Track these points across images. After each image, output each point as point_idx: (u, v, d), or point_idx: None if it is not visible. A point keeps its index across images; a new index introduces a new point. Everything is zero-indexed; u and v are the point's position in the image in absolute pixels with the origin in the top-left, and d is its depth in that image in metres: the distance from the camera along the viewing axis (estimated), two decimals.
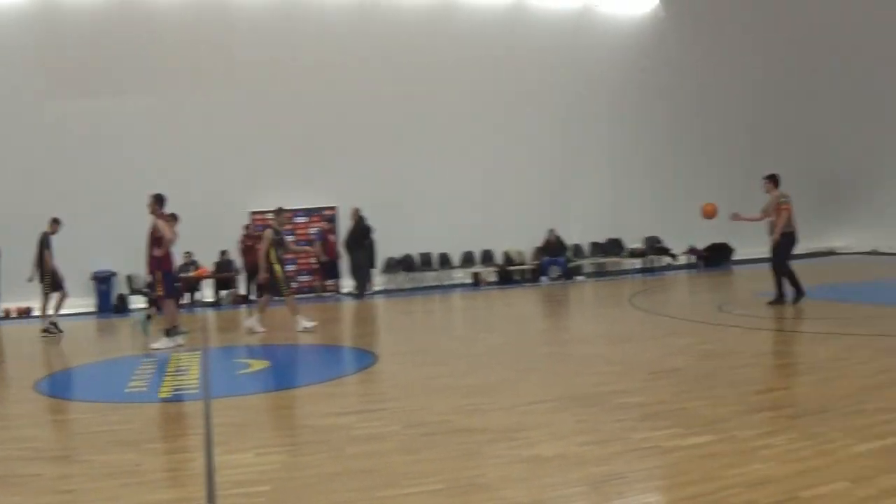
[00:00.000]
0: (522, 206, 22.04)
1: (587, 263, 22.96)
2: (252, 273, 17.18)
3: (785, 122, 24.80)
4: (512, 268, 21.99)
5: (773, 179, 13.91)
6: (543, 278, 21.39)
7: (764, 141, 24.76)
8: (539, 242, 21.95)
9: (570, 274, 21.85)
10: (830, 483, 4.67)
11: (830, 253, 26.52)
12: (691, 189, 24.01)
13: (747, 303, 14.41)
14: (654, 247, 23.96)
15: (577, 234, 22.78)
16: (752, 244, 25.05)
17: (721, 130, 24.25)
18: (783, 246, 13.58)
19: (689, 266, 24.11)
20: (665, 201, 24.22)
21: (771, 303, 13.45)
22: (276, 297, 13.63)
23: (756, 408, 6.57)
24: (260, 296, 14.70)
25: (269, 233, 13.25)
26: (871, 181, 24.70)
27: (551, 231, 21.84)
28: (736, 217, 14.14)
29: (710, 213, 14.06)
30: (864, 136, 24.70)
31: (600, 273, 23.11)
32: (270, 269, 13.20)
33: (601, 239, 23.58)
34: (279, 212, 13.97)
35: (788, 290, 13.36)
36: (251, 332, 13.30)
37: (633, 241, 23.84)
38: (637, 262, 23.74)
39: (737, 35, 23.31)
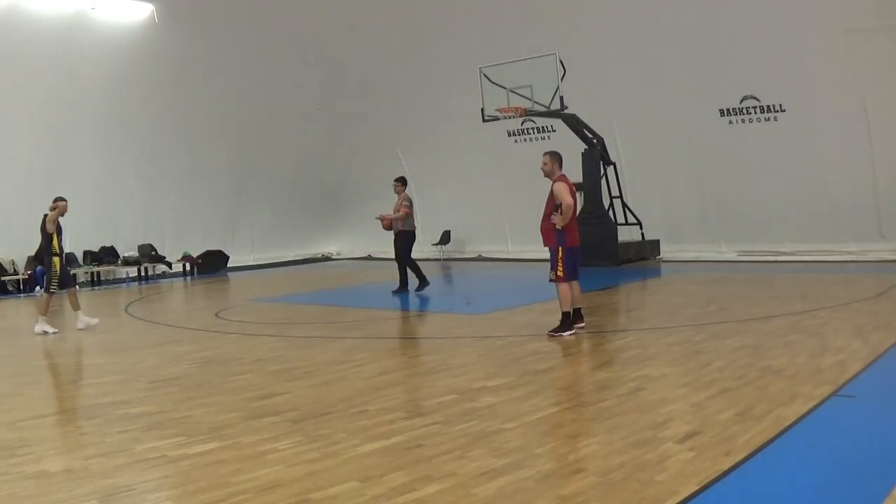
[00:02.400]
0: (14, 214, 20.34)
1: (81, 272, 21.90)
2: None
3: (278, 132, 25.92)
4: (5, 278, 20.33)
5: (403, 182, 15.89)
6: (38, 288, 20.00)
7: (258, 149, 25.67)
8: (32, 251, 20.49)
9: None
10: (340, 484, 4.87)
11: (326, 259, 28.27)
12: (186, 196, 24.14)
13: (244, 309, 14.80)
14: (150, 254, 23.61)
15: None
16: (243, 252, 25.90)
17: (217, 138, 24.57)
18: (406, 241, 15.45)
19: (184, 273, 24.12)
20: (160, 209, 24.05)
21: (395, 291, 15.55)
22: None
23: (259, 413, 6.73)
24: None
25: None
26: (363, 192, 26.79)
27: None
28: (383, 218, 15.76)
29: (384, 225, 15.67)
30: (354, 148, 26.78)
31: (95, 282, 22.18)
32: None
33: (95, 247, 22.65)
34: None
35: (413, 280, 15.42)
36: None
37: (128, 249, 23.26)
38: (132, 271, 23.22)
39: (234, 47, 23.84)
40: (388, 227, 15.73)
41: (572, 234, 10.01)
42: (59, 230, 12.90)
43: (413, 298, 14.96)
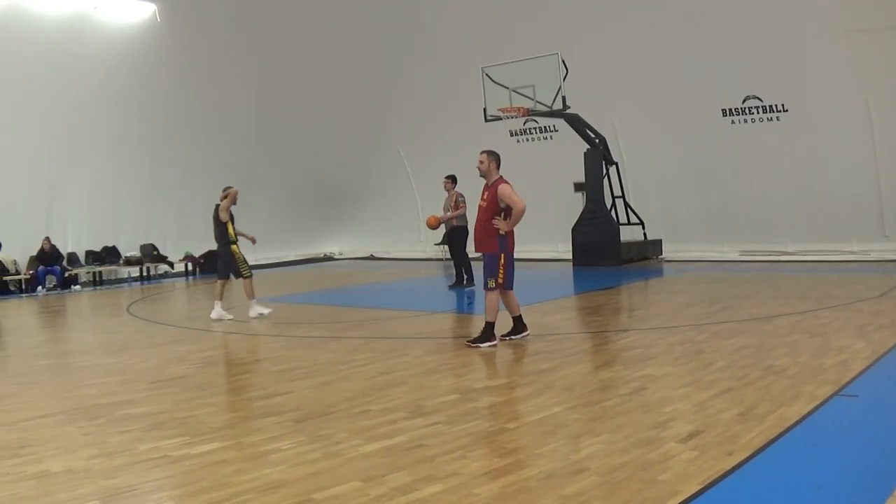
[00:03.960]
0: (13, 214, 20.37)
1: (83, 272, 21.93)
2: None
3: (284, 133, 25.93)
4: (7, 278, 20.31)
5: (454, 179, 15.94)
6: (40, 288, 20.04)
7: (263, 150, 25.68)
8: (34, 251, 20.55)
9: (66, 283, 20.76)
10: (342, 484, 4.87)
11: (328, 259, 28.27)
12: (188, 197, 24.14)
13: (245, 309, 14.77)
14: (152, 254, 23.63)
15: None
16: (245, 252, 25.87)
17: (220, 139, 24.57)
18: (464, 236, 15.74)
19: (186, 273, 24.13)
20: (162, 209, 24.07)
21: (451, 286, 16.18)
22: None
23: (261, 413, 6.73)
24: None
25: None
26: (366, 192, 26.80)
27: (46, 239, 20.54)
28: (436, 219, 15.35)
29: (432, 224, 15.23)
30: (357, 148, 26.75)
31: (98, 282, 22.20)
32: None
33: (97, 247, 22.67)
34: None
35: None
36: None
37: (130, 249, 23.28)
38: (134, 271, 23.24)
39: (237, 47, 23.84)
40: (435, 227, 15.50)
41: (511, 239, 9.64)
42: (231, 218, 13.17)
43: (412, 298, 14.95)
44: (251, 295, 13.26)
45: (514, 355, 9.02)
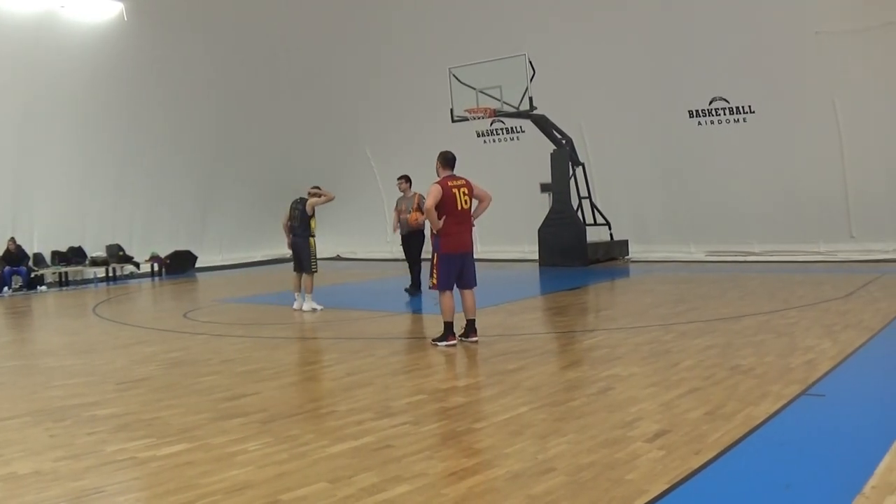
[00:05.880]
0: None
1: (49, 273, 21.70)
2: None
3: (251, 133, 25.80)
4: None
5: (408, 179, 15.45)
6: (6, 289, 19.80)
7: (227, 149, 25.53)
8: None
9: (32, 284, 20.55)
10: (310, 485, 4.87)
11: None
12: (154, 197, 24.00)
13: (212, 310, 14.74)
14: (118, 255, 23.44)
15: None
16: (211, 252, 25.75)
17: (187, 139, 24.43)
18: (421, 240, 15.28)
19: (152, 274, 23.97)
20: (128, 209, 23.90)
21: (407, 289, 15.49)
22: None
23: (227, 414, 6.71)
24: None
25: None
26: (331, 191, 26.64)
27: (12, 239, 20.30)
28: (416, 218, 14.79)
29: (420, 222, 14.70)
30: (322, 148, 26.64)
31: (64, 283, 21.98)
32: None
33: (63, 247, 22.44)
34: None
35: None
36: None
37: (96, 249, 23.08)
38: (100, 271, 23.04)
39: (204, 47, 23.69)
40: (419, 226, 15.06)
41: (450, 240, 9.52)
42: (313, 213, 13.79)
43: (378, 299, 14.94)
44: (310, 289, 13.66)
45: (481, 355, 9.05)
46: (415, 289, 15.50)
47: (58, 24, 21.18)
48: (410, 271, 15.70)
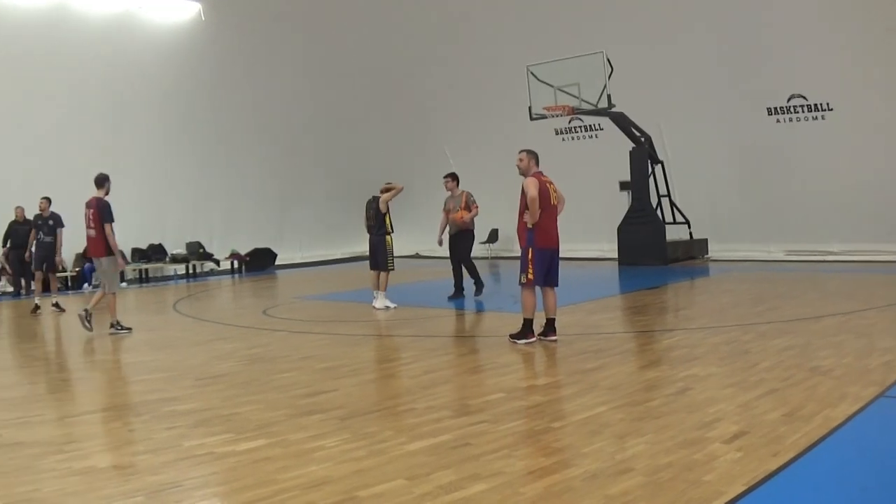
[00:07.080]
0: (63, 211, 20.65)
1: (130, 269, 22.18)
2: None
3: (330, 131, 26.04)
4: (57, 274, 20.53)
5: (455, 177, 14.92)
6: (86, 285, 20.30)
7: (310, 147, 25.81)
8: (80, 248, 20.78)
9: None
10: (387, 482, 4.85)
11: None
12: (234, 194, 24.36)
13: (291, 307, 14.85)
14: (198, 252, 23.85)
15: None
16: (291, 250, 26.02)
17: (265, 137, 24.78)
18: (470, 241, 14.73)
19: (232, 271, 24.33)
20: (209, 207, 24.28)
21: (451, 297, 14.53)
22: None
23: (306, 411, 6.72)
24: None
25: None
26: (411, 190, 26.73)
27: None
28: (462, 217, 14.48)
29: (466, 221, 14.51)
30: (402, 147, 26.76)
31: (143, 279, 22.45)
32: None
33: (143, 244, 22.92)
34: None
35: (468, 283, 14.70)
36: None
37: (176, 247, 23.52)
38: (180, 268, 23.47)
39: (282, 45, 23.98)
40: (466, 226, 14.49)
41: (544, 235, 9.44)
42: (388, 210, 13.79)
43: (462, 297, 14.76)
44: (384, 287, 13.69)
45: (559, 354, 8.94)
46: (461, 293, 14.71)
47: (136, 25, 21.68)
48: (454, 275, 14.84)
